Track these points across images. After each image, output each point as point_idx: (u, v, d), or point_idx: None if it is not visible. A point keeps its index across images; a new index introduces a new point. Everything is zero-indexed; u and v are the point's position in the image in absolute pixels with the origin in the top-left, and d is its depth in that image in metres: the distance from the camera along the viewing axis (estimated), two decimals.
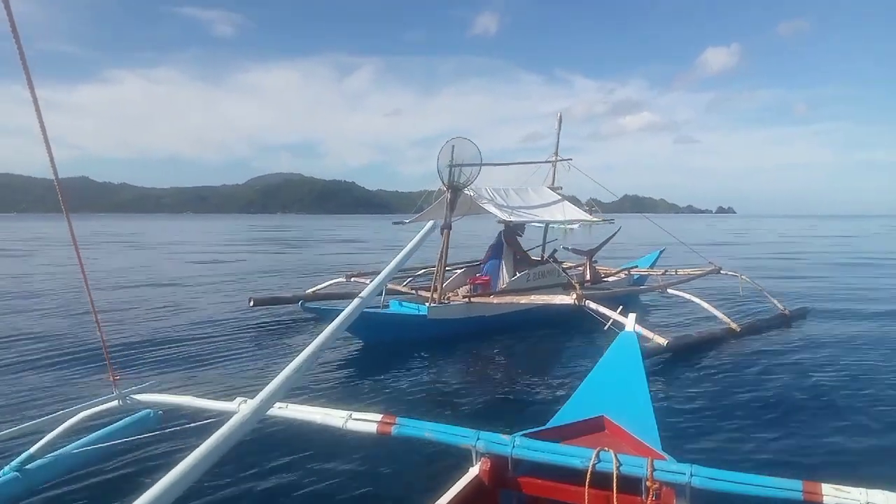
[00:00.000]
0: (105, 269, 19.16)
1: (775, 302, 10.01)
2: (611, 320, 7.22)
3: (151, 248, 32.54)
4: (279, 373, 1.93)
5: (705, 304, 9.10)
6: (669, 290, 9.79)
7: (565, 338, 8.73)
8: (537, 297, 8.73)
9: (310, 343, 2.07)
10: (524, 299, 8.80)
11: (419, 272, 11.38)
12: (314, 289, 11.42)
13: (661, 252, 14.20)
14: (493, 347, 8.12)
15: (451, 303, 9.07)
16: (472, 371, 6.81)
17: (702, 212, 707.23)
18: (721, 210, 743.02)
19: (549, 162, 11.18)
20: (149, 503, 1.35)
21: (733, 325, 8.42)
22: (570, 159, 11.14)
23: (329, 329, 2.15)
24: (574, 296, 7.95)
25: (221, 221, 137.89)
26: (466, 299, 9.07)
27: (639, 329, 7.01)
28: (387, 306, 9.03)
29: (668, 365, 7.02)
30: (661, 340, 7.02)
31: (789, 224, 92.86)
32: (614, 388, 3.26)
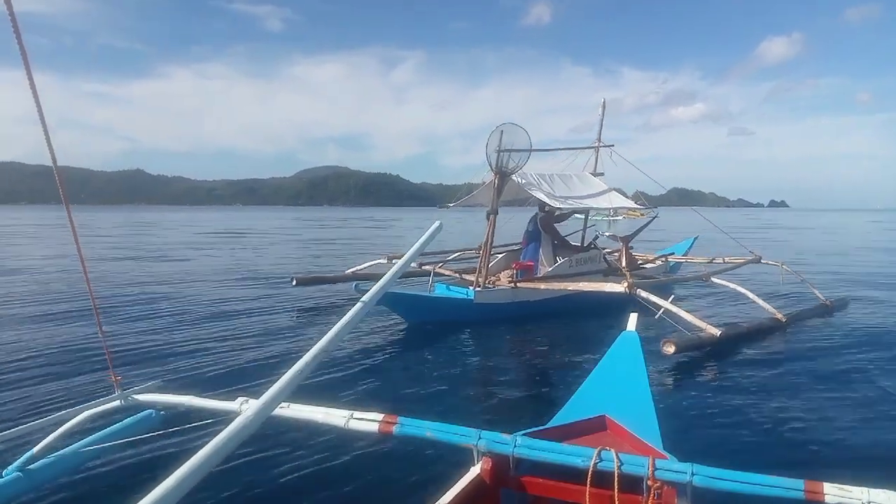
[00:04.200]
0: (129, 258, 19.36)
1: (817, 293, 9.85)
2: (662, 309, 7.23)
3: (184, 240, 32.66)
4: (283, 373, 1.92)
5: (751, 295, 8.94)
6: (713, 280, 9.67)
7: (605, 331, 8.71)
8: (587, 283, 8.69)
9: (314, 344, 2.08)
10: (572, 286, 8.79)
11: (454, 254, 11.52)
12: (353, 269, 11.61)
13: (694, 240, 14.04)
14: (498, 343, 8.01)
15: (497, 287, 9.24)
16: (473, 369, 6.73)
17: (753, 205, 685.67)
18: (773, 203, 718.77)
19: (592, 147, 11.25)
20: None
21: (779, 316, 8.29)
22: (613, 146, 11.18)
23: (333, 332, 2.15)
24: (626, 284, 7.96)
25: (268, 212, 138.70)
26: (511, 284, 9.18)
27: (690, 319, 7.07)
28: (433, 290, 9.26)
29: (703, 358, 6.93)
30: (714, 331, 6.91)
31: (844, 218, 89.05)
32: (616, 388, 3.26)
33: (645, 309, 7.44)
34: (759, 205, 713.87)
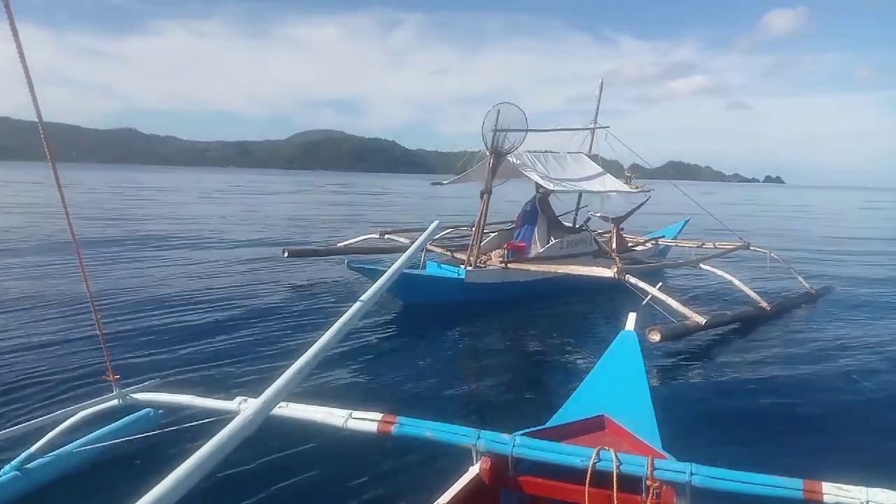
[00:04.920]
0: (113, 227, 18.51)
1: (802, 280, 9.95)
2: (649, 295, 7.25)
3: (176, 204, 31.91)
4: (282, 372, 1.91)
5: (737, 282, 8.96)
6: (701, 266, 9.66)
7: (595, 314, 8.75)
8: (576, 267, 8.71)
9: (314, 342, 2.06)
10: (563, 268, 8.79)
11: (446, 231, 11.50)
12: (346, 242, 11.46)
13: (685, 222, 14.10)
14: (497, 340, 7.89)
15: (488, 267, 9.22)
16: (471, 368, 6.67)
17: (748, 180, 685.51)
18: (769, 179, 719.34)
19: (588, 129, 11.21)
20: None
21: (764, 304, 8.30)
22: (608, 127, 11.15)
23: (331, 331, 2.16)
24: (614, 269, 7.98)
25: (263, 176, 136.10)
26: (503, 264, 9.17)
27: (676, 306, 7.08)
28: (424, 267, 9.22)
29: (683, 350, 6.94)
30: (700, 319, 6.90)
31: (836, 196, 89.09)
32: (615, 387, 3.26)
33: (633, 294, 7.53)
34: (754, 180, 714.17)
